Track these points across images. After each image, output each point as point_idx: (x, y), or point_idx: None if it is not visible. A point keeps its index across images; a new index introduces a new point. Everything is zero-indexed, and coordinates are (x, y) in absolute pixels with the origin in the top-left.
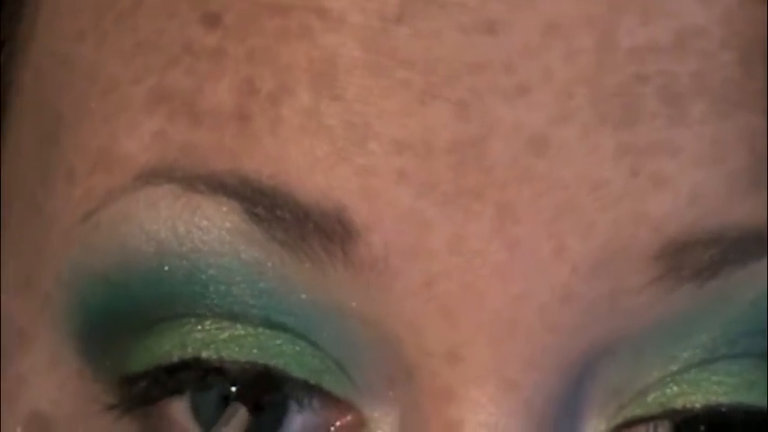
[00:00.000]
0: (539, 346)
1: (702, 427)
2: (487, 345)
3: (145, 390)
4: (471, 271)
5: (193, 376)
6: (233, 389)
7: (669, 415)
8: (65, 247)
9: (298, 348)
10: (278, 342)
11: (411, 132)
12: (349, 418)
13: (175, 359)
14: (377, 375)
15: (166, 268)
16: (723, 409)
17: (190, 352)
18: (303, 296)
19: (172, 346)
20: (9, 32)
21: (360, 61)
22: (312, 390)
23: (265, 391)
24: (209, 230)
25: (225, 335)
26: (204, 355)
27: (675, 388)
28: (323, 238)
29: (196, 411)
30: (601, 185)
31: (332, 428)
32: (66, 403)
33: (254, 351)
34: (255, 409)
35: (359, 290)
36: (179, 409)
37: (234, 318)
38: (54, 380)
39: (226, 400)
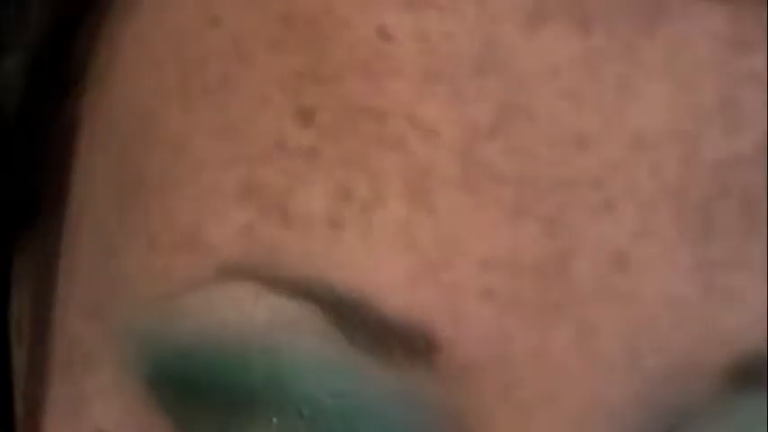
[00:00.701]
0: None
1: None
2: None
3: None
4: (548, 382)
5: None
6: None
7: None
8: (142, 314)
9: None
10: None
11: (499, 250)
12: None
13: None
14: None
15: (245, 365)
16: None
17: None
18: (383, 397)
19: None
20: (81, 66)
21: (453, 176)
22: None
23: None
24: (289, 331)
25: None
26: None
27: None
28: (406, 350)
29: None
30: (678, 302)
31: None
32: (131, 426)
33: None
34: None
35: (437, 391)
36: None
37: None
38: (119, 402)
39: None
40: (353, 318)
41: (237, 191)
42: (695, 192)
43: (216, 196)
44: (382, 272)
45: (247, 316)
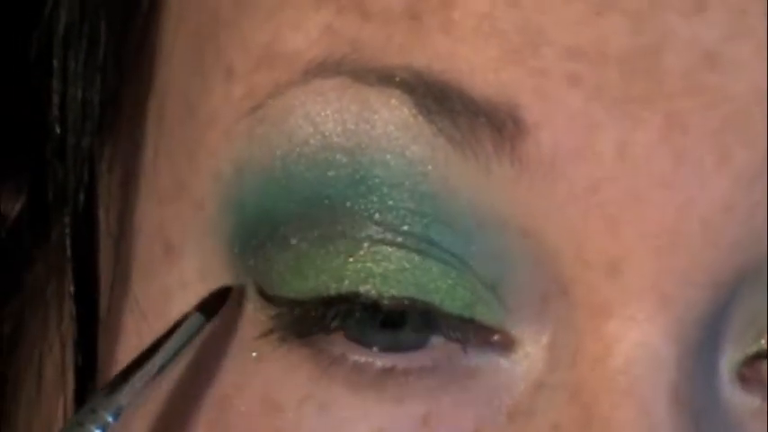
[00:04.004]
0: (698, 260)
1: None
2: (649, 257)
3: (301, 318)
4: (636, 178)
5: (350, 309)
6: None
7: None
8: (226, 144)
9: (450, 281)
10: (432, 277)
11: (585, 40)
12: (497, 337)
13: (332, 292)
14: (531, 292)
15: (331, 164)
16: None
17: (347, 285)
18: (464, 201)
19: (329, 277)
20: None
21: None
22: (465, 322)
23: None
24: (375, 124)
25: (380, 269)
26: (362, 289)
27: None
28: (493, 132)
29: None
30: None
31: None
32: (216, 318)
33: (411, 287)
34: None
35: (521, 192)
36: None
37: (392, 235)
38: (203, 293)
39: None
40: (441, 100)
41: None
42: None
43: (291, 7)
44: (467, 57)
45: (333, 111)
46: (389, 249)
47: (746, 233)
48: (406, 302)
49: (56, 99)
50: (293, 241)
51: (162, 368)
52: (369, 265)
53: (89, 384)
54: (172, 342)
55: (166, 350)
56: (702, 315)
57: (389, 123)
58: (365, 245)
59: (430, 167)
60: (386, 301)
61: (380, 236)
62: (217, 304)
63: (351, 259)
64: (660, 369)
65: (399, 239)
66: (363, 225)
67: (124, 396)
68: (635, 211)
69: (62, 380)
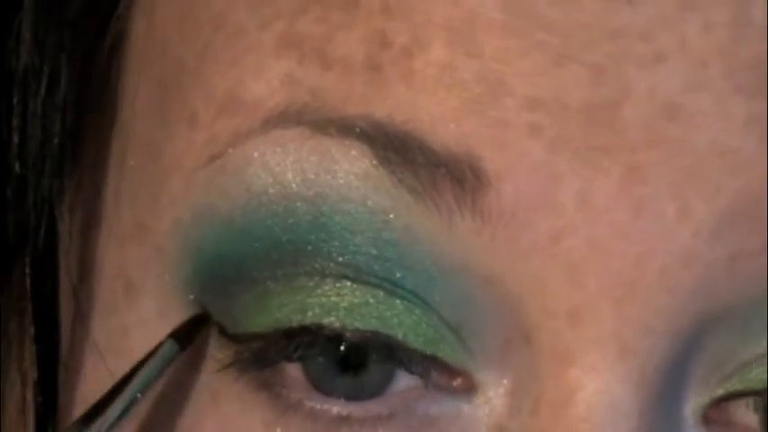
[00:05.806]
0: (657, 308)
1: None
2: (609, 306)
3: (262, 351)
4: (597, 228)
5: (312, 341)
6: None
7: None
8: (186, 192)
9: (414, 318)
10: (396, 312)
11: (545, 91)
12: (459, 381)
13: (295, 324)
14: (494, 338)
15: (291, 212)
16: None
17: (310, 317)
18: (427, 248)
19: (292, 310)
20: None
21: (498, 22)
22: (427, 359)
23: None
24: (337, 174)
25: (345, 303)
26: (326, 321)
27: None
28: (454, 184)
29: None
30: (730, 151)
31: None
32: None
33: (374, 321)
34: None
35: (484, 243)
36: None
37: (356, 274)
38: (162, 331)
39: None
40: (402, 151)
41: (276, 45)
42: (746, 51)
43: (254, 55)
44: (428, 107)
45: (293, 161)
46: (354, 285)
47: (706, 283)
48: (369, 335)
49: (15, 138)
50: (256, 280)
51: (136, 398)
52: (333, 299)
53: (49, 424)
54: (145, 371)
55: (140, 379)
56: (663, 362)
57: (350, 174)
58: (329, 280)
59: (392, 216)
60: (349, 334)
61: (344, 273)
62: (192, 332)
63: (315, 293)
64: (621, 417)
65: (363, 277)
66: (326, 265)
67: (97, 427)
68: (595, 260)
69: (23, 419)
